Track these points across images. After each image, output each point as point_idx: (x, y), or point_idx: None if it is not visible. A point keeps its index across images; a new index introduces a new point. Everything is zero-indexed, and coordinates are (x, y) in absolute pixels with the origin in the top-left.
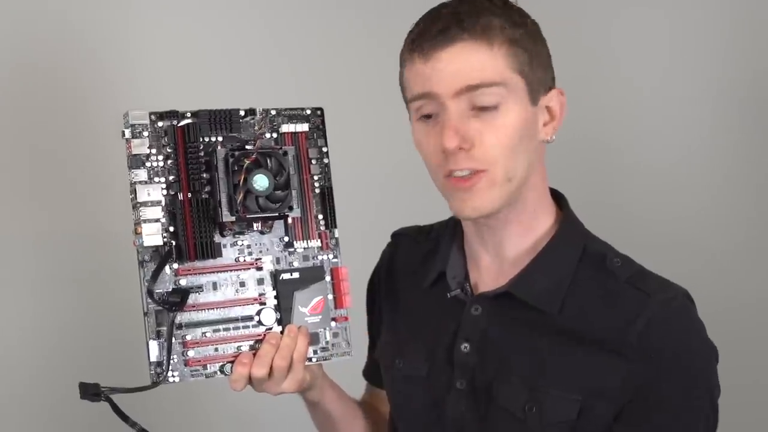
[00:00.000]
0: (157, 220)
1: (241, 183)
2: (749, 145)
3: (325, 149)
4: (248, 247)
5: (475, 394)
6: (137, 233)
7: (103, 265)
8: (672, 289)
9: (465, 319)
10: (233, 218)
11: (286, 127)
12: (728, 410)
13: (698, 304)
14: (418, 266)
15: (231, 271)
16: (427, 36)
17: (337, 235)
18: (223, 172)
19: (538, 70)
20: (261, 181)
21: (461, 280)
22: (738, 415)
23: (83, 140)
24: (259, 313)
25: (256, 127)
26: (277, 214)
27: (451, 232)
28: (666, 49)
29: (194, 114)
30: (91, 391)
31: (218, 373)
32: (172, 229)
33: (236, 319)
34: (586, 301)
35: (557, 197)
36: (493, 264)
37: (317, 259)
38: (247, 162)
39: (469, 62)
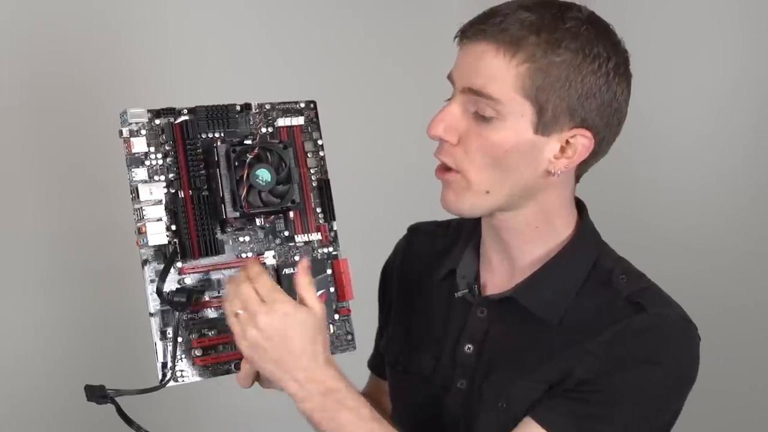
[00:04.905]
0: (160, 219)
1: (244, 178)
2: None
3: (320, 142)
4: (249, 243)
5: (473, 394)
6: (141, 232)
7: (111, 265)
8: (671, 308)
9: (470, 321)
10: (237, 214)
11: (282, 121)
12: (729, 411)
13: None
14: (433, 261)
15: (234, 267)
16: (468, 23)
17: (335, 228)
18: (225, 168)
19: (563, 103)
20: (264, 176)
21: (471, 281)
22: (738, 415)
23: (88, 138)
24: None
25: (252, 122)
26: (280, 209)
27: (469, 230)
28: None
29: (191, 110)
30: (97, 394)
31: (226, 371)
32: (174, 227)
33: None
34: (585, 315)
35: (579, 206)
36: (505, 267)
37: (317, 252)
38: (250, 157)
39: (481, 66)
